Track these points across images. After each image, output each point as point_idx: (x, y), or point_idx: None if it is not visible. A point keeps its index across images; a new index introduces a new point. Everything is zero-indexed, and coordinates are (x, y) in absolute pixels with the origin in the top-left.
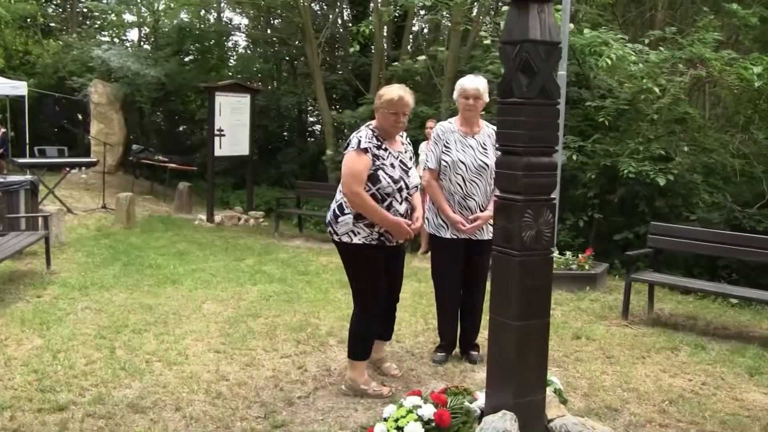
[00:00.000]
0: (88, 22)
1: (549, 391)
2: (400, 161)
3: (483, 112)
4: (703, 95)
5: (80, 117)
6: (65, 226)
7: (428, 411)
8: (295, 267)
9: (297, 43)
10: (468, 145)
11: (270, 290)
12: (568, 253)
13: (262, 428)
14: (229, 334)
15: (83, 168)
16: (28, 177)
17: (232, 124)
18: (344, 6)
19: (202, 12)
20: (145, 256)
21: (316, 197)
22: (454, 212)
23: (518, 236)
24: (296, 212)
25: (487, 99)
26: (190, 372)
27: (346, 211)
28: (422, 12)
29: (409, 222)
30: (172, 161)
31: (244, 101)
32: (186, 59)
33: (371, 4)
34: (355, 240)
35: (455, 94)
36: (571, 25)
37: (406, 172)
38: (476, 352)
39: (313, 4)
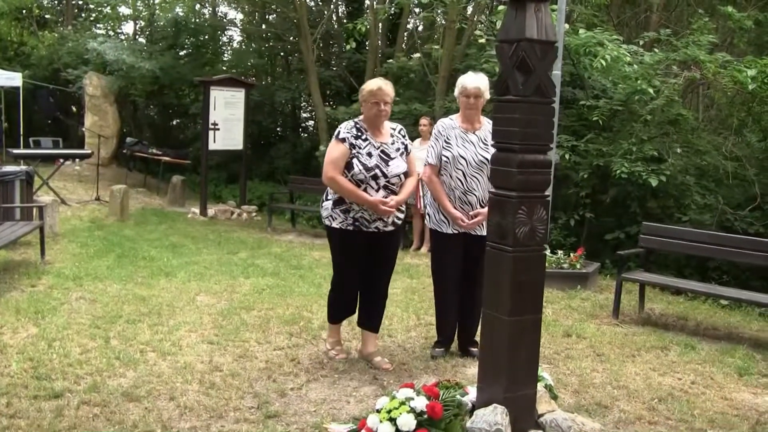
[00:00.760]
0: (83, 15)
1: (540, 386)
2: (381, 151)
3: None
4: (697, 97)
5: (74, 109)
6: (59, 217)
7: (421, 403)
8: (288, 261)
9: (292, 38)
10: (469, 141)
11: (263, 283)
12: (559, 252)
13: (255, 418)
14: (222, 326)
15: (77, 160)
16: (24, 167)
17: (226, 118)
18: (339, 2)
19: (197, 6)
20: (139, 248)
21: (309, 192)
22: (454, 208)
23: (512, 232)
24: (289, 207)
25: (488, 96)
26: (184, 362)
27: (328, 197)
28: (417, 10)
29: (385, 201)
30: (166, 155)
31: (238, 96)
32: (181, 53)
33: (366, 2)
34: (334, 224)
35: (456, 91)
36: (567, 26)
37: (386, 162)
38: (476, 348)
39: (308, 0)
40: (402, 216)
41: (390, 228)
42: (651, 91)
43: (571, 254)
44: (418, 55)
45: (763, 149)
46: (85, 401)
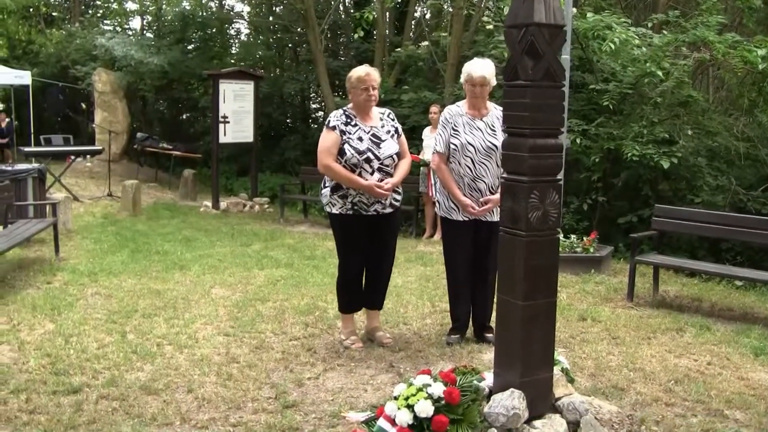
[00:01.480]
0: (90, 11)
1: (556, 370)
2: (372, 134)
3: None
4: (707, 78)
5: (84, 106)
6: (72, 214)
7: (438, 389)
8: (302, 252)
9: (299, 29)
10: (476, 128)
11: (277, 275)
12: (572, 236)
13: (273, 408)
14: (238, 318)
15: (88, 156)
16: (36, 165)
17: (236, 111)
18: None
19: (204, 0)
20: (152, 242)
21: (319, 183)
22: (464, 195)
23: (525, 217)
24: (301, 198)
25: (494, 83)
26: (201, 355)
27: (326, 185)
28: None
29: (380, 184)
30: (177, 149)
31: (247, 88)
32: (189, 47)
33: None
34: (334, 210)
35: (462, 78)
36: (575, 9)
37: (377, 145)
38: (491, 334)
39: None
40: (399, 198)
41: (388, 210)
42: (660, 73)
43: (584, 238)
44: (426, 43)
45: None
46: (104, 395)
